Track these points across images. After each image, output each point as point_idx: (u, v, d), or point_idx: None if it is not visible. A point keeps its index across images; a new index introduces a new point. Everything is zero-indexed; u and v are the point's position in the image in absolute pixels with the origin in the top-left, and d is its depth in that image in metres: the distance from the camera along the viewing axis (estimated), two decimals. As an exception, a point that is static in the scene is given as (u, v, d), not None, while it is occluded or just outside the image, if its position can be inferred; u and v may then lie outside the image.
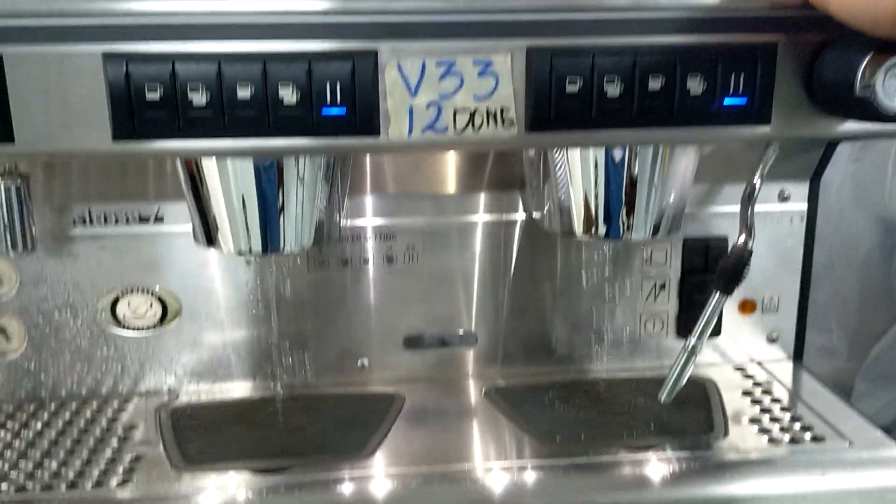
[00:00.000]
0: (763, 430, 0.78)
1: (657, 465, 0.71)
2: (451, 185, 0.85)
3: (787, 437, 0.76)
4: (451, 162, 0.85)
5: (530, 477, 0.71)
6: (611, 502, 0.69)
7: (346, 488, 0.69)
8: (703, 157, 0.85)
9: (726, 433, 0.77)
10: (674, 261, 0.89)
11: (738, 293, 0.91)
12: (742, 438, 0.76)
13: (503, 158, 0.85)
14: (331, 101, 0.62)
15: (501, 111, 0.65)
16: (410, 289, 0.87)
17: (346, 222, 0.85)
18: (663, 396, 0.78)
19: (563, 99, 0.64)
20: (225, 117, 0.61)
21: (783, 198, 0.89)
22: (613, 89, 0.64)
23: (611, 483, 0.70)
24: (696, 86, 0.65)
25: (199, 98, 0.61)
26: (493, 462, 0.73)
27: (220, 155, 0.67)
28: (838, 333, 1.58)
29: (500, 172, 0.85)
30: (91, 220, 0.82)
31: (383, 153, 0.81)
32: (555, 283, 0.89)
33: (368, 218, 0.85)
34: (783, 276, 0.91)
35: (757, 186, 0.78)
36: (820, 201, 1.41)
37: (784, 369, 0.92)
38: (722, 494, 0.70)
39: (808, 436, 0.76)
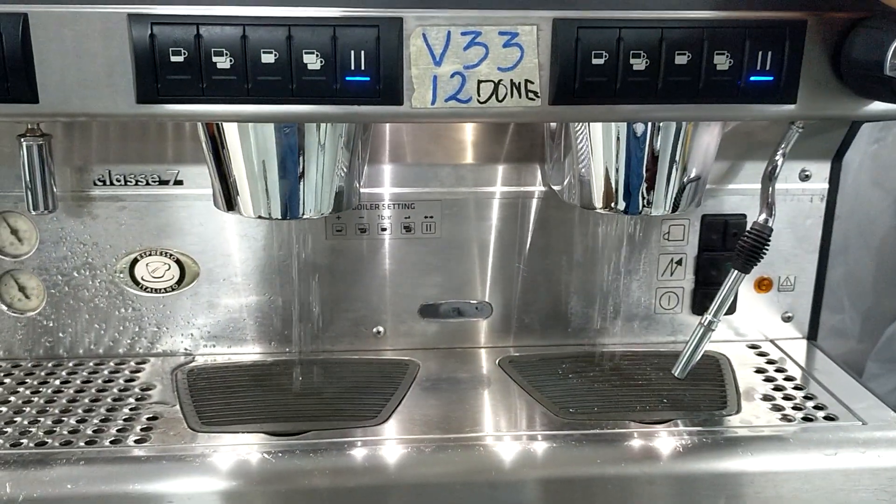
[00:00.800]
0: (776, 408, 0.78)
1: (668, 439, 0.72)
2: (469, 156, 0.85)
3: (799, 414, 0.77)
4: (470, 133, 0.84)
5: (541, 447, 0.71)
6: (621, 474, 0.70)
7: (360, 453, 0.70)
8: (725, 133, 0.85)
9: (739, 409, 0.77)
10: (691, 237, 0.89)
11: (755, 271, 0.89)
12: (754, 415, 0.77)
13: (523, 130, 0.84)
14: (354, 69, 0.62)
15: (526, 83, 0.65)
16: (427, 258, 0.88)
17: (364, 190, 0.85)
18: (677, 371, 0.78)
19: (588, 72, 0.64)
20: (248, 82, 0.62)
21: (804, 177, 0.88)
22: (639, 63, 0.64)
23: (621, 455, 0.71)
24: (722, 62, 0.64)
25: (223, 62, 0.61)
26: (504, 431, 0.73)
27: (243, 120, 0.67)
28: (851, 314, 1.58)
29: (519, 144, 0.85)
30: (111, 181, 0.82)
31: (406, 122, 0.81)
32: (571, 255, 0.89)
33: (387, 187, 0.85)
34: (801, 256, 0.91)
35: (779, 165, 0.78)
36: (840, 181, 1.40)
37: (798, 348, 0.92)
38: (733, 469, 0.71)
39: (820, 414, 0.77)
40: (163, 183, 0.83)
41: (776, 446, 0.72)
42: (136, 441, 0.71)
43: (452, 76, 0.64)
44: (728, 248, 0.87)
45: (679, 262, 0.90)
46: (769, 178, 0.78)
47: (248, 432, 0.72)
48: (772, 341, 0.93)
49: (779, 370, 0.86)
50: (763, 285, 0.91)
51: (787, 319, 0.93)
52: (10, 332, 0.86)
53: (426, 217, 0.86)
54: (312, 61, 0.62)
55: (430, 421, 0.75)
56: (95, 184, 0.82)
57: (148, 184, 0.83)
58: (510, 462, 0.70)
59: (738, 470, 0.71)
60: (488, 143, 0.85)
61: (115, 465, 0.68)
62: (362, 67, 0.62)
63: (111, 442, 0.71)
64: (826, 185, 0.89)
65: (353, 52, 0.62)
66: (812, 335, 0.94)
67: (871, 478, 0.72)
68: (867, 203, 1.43)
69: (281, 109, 0.63)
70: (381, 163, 0.84)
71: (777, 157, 0.78)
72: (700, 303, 0.90)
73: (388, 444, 0.71)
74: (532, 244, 0.88)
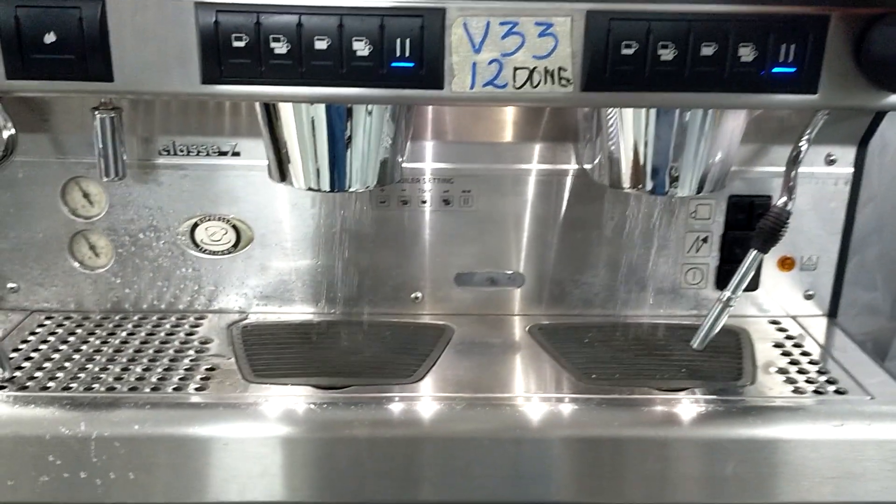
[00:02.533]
0: (789, 380, 0.82)
1: (684, 406, 0.77)
2: (507, 134, 0.90)
3: (811, 388, 0.81)
4: (508, 113, 0.89)
5: (565, 409, 0.77)
6: (637, 436, 0.75)
7: (397, 408, 0.76)
8: (755, 118, 0.88)
9: (753, 381, 0.82)
10: (717, 216, 0.93)
11: (778, 250, 0.94)
12: (768, 386, 0.81)
13: (558, 112, 0.89)
14: (400, 55, 0.67)
15: (559, 70, 0.69)
16: (464, 230, 0.93)
17: (406, 165, 0.90)
18: (696, 343, 0.83)
19: (619, 61, 0.68)
20: (303, 66, 0.67)
21: (829, 161, 0.92)
22: (667, 54, 0.68)
23: (637, 419, 0.76)
24: (746, 54, 0.68)
25: (280, 48, 0.67)
26: (532, 393, 0.79)
27: (297, 101, 0.73)
28: (884, 293, 1.60)
29: (554, 125, 0.89)
30: (175, 152, 0.89)
31: (447, 105, 0.86)
32: (601, 231, 0.94)
33: (428, 162, 0.91)
34: (824, 237, 0.94)
35: (803, 150, 0.81)
36: (875, 163, 1.42)
37: (818, 325, 0.95)
38: (744, 436, 0.76)
39: (832, 388, 0.81)
40: (222, 154, 0.89)
41: (786, 416, 0.77)
42: (195, 389, 0.78)
43: (490, 63, 0.69)
44: (753, 228, 0.91)
45: (705, 240, 0.94)
46: (793, 162, 0.81)
47: (295, 385, 0.79)
48: (793, 318, 0.97)
49: (796, 345, 0.90)
50: (786, 264, 0.95)
51: (808, 297, 0.96)
52: (81, 287, 0.94)
53: (464, 191, 0.91)
54: (361, 48, 0.67)
55: (461, 381, 0.81)
56: (160, 153, 0.89)
57: (209, 154, 0.89)
58: (534, 422, 0.76)
59: (749, 436, 0.76)
60: (525, 123, 0.90)
61: (177, 409, 0.75)
62: (407, 54, 0.67)
63: (174, 389, 0.78)
64: (851, 170, 0.92)
65: (398, 40, 0.67)
66: (832, 312, 0.97)
67: (876, 449, 0.76)
68: (901, 185, 1.44)
69: (332, 92, 0.69)
70: (423, 139, 0.90)
71: (802, 143, 0.81)
72: (724, 279, 0.94)
73: (423, 400, 0.77)
74: (564, 219, 0.93)
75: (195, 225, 0.92)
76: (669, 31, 0.67)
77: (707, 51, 0.68)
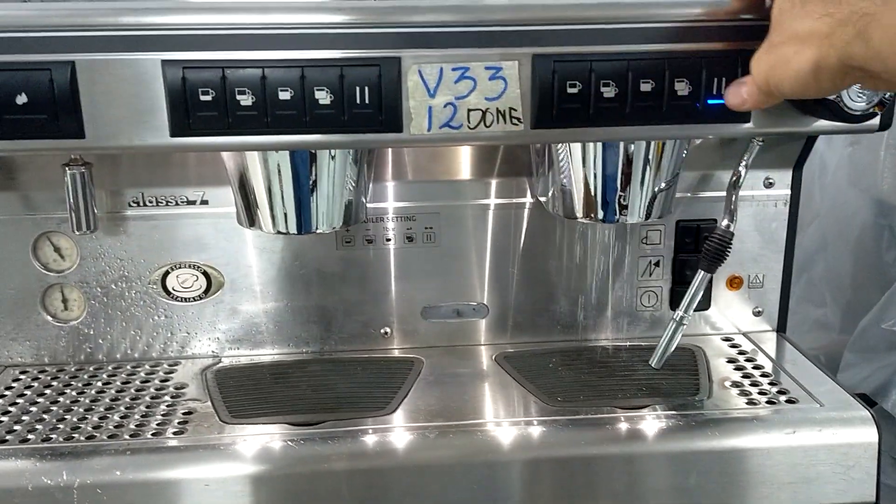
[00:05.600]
0: (743, 393, 0.87)
1: (646, 422, 0.81)
2: (466, 172, 0.94)
3: (764, 399, 0.85)
4: (465, 152, 0.94)
5: (534, 431, 0.80)
6: (602, 454, 0.79)
7: (371, 439, 0.79)
8: (699, 147, 0.94)
9: (710, 395, 0.86)
10: (667, 241, 0.98)
11: (727, 270, 0.99)
12: (724, 399, 0.85)
13: (512, 149, 0.93)
14: (360, 102, 0.71)
15: (510, 110, 0.74)
16: (428, 265, 0.97)
17: (368, 205, 0.94)
18: (653, 362, 0.87)
19: (565, 100, 0.72)
20: (268, 116, 0.71)
21: (768, 184, 0.97)
22: (609, 91, 0.72)
23: (602, 437, 0.80)
24: (682, 88, 0.73)
25: (245, 100, 0.70)
26: (501, 418, 0.82)
27: (264, 149, 0.77)
28: (832, 308, 1.66)
29: (509, 161, 0.94)
30: (144, 203, 0.92)
31: (406, 147, 0.90)
32: (559, 260, 0.98)
33: (390, 202, 0.94)
34: (768, 256, 0.99)
35: (742, 175, 0.87)
36: (817, 184, 1.50)
37: (768, 339, 1.00)
38: (703, 448, 0.80)
39: (783, 398, 0.86)
40: (190, 203, 0.92)
41: (741, 427, 0.81)
42: (174, 433, 0.80)
43: (445, 106, 0.73)
44: (700, 251, 0.96)
45: (657, 264, 0.99)
46: (733, 186, 0.87)
47: (271, 423, 0.81)
48: (744, 334, 1.01)
49: (749, 360, 0.95)
50: (735, 283, 1.00)
51: (757, 314, 1.01)
52: (55, 340, 0.95)
53: (426, 227, 0.95)
54: (323, 97, 0.71)
55: (433, 410, 0.84)
56: (129, 205, 0.92)
57: (177, 204, 0.92)
58: (504, 445, 0.79)
59: (708, 448, 0.80)
60: (482, 161, 0.95)
61: (157, 454, 0.77)
62: (367, 101, 0.71)
63: (152, 434, 0.80)
64: (788, 192, 0.98)
65: (358, 88, 0.71)
66: (781, 327, 1.02)
67: (827, 453, 0.80)
68: (844, 202, 1.51)
69: (297, 139, 0.72)
70: (385, 180, 0.94)
71: (740, 168, 0.87)
72: (677, 300, 0.98)
73: (397, 431, 0.80)
74: (524, 250, 0.97)
75: (166, 273, 0.94)
76: (610, 71, 0.72)
77: (645, 87, 0.72)
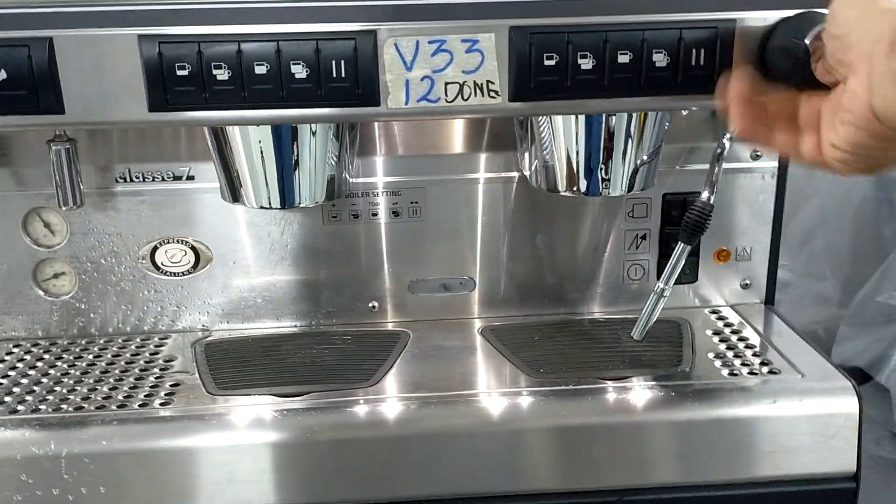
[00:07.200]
0: (725, 364, 0.87)
1: (626, 393, 0.81)
2: (451, 146, 0.94)
3: (746, 370, 0.86)
4: (451, 127, 0.94)
5: (516, 402, 0.81)
6: (582, 424, 0.80)
7: (357, 410, 0.80)
8: (686, 119, 0.94)
9: (692, 366, 0.87)
10: (654, 214, 0.98)
11: (714, 243, 0.99)
12: (706, 370, 0.86)
13: (499, 123, 0.93)
14: (336, 76, 0.71)
15: (487, 83, 0.74)
16: (415, 240, 0.97)
17: (357, 180, 0.94)
18: (636, 334, 0.87)
19: (542, 72, 0.72)
20: (244, 91, 0.71)
21: (755, 156, 0.97)
22: (587, 63, 0.72)
23: (582, 408, 0.80)
24: (660, 59, 0.73)
25: (222, 74, 0.71)
26: (483, 389, 0.83)
27: (241, 124, 0.77)
28: (832, 282, 1.66)
29: (497, 135, 0.94)
30: (131, 178, 0.92)
31: (383, 121, 0.90)
32: (547, 234, 0.98)
33: (377, 177, 0.95)
34: (756, 228, 0.99)
35: (726, 147, 0.86)
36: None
37: (755, 312, 1.00)
38: (683, 418, 0.80)
39: (766, 369, 0.86)
40: (177, 178, 0.93)
41: (722, 397, 0.81)
42: (161, 404, 0.82)
43: (422, 80, 0.73)
44: (686, 223, 0.96)
45: (644, 237, 0.99)
46: (717, 159, 0.86)
47: (257, 394, 0.82)
48: (732, 306, 1.02)
49: (734, 332, 0.95)
50: (722, 256, 1.00)
51: (745, 286, 1.01)
52: (47, 315, 0.97)
53: (412, 202, 0.96)
54: (299, 71, 0.71)
55: (416, 382, 0.85)
56: (117, 181, 0.92)
57: (164, 180, 0.93)
58: (485, 416, 0.80)
59: (688, 418, 0.80)
60: (469, 136, 0.95)
61: (144, 424, 0.79)
62: (343, 75, 0.71)
63: (140, 405, 0.81)
64: (776, 164, 0.97)
65: (334, 62, 0.71)
66: (769, 300, 1.02)
67: (807, 423, 0.81)
68: (843, 178, 1.50)
69: (274, 113, 0.72)
70: (371, 155, 0.94)
71: (725, 140, 0.86)
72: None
73: (380, 402, 0.81)
74: (511, 224, 0.98)
75: (155, 248, 0.95)
76: (587, 42, 0.72)
77: (623, 58, 0.72)
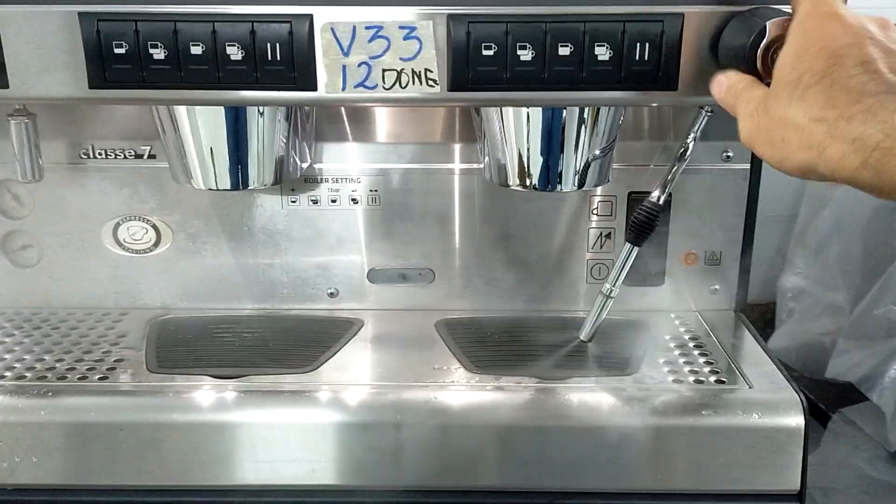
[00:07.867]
0: (672, 371, 0.84)
1: (561, 395, 0.80)
2: (417, 135, 0.93)
3: (692, 378, 0.83)
4: (417, 114, 0.92)
5: (449, 398, 0.80)
6: (511, 423, 0.78)
7: (286, 394, 0.80)
8: (655, 116, 0.91)
9: (636, 371, 0.84)
10: (619, 213, 0.95)
11: (682, 245, 0.96)
12: (650, 377, 0.83)
13: (467, 112, 0.92)
14: (272, 59, 0.71)
15: (426, 71, 0.73)
16: (375, 228, 0.96)
17: (318, 165, 0.94)
18: (583, 334, 0.85)
19: (480, 62, 0.71)
20: (181, 71, 0.71)
21: (726, 158, 0.93)
22: (526, 55, 0.71)
23: (512, 407, 0.79)
24: (603, 53, 0.70)
25: (158, 53, 0.71)
26: (418, 382, 0.82)
27: (178, 103, 0.77)
28: (844, 293, 1.60)
29: (466, 124, 0.93)
30: (94, 155, 0.94)
31: (321, 106, 0.90)
32: (509, 229, 0.97)
33: (339, 163, 0.94)
34: (725, 233, 0.96)
35: (689, 146, 0.84)
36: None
37: (722, 319, 0.97)
38: (616, 424, 0.78)
39: (713, 378, 0.83)
40: (138, 157, 0.94)
41: (660, 406, 0.79)
42: (98, 378, 0.83)
43: (360, 66, 0.72)
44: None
45: (608, 236, 0.96)
46: (679, 158, 0.84)
47: (193, 374, 0.83)
48: (699, 312, 0.98)
49: (693, 338, 0.92)
50: (689, 259, 0.97)
51: (713, 292, 0.98)
52: (15, 285, 0.98)
53: (371, 190, 0.95)
54: (235, 52, 0.71)
55: (354, 370, 0.84)
56: (81, 157, 0.94)
57: (126, 157, 0.94)
58: (412, 408, 0.79)
59: (622, 425, 0.78)
60: (435, 125, 0.94)
61: (78, 396, 0.80)
62: (278, 58, 0.71)
63: (79, 378, 0.83)
64: (748, 166, 0.94)
65: (269, 45, 0.71)
66: (740, 307, 0.99)
67: (748, 436, 0.78)
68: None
69: (210, 95, 0.72)
70: (334, 141, 0.93)
71: (689, 140, 0.84)
72: (629, 274, 0.96)
73: (306, 390, 0.80)
74: (473, 217, 0.96)
75: (117, 225, 0.96)
76: (527, 33, 0.70)
77: (564, 51, 0.70)
